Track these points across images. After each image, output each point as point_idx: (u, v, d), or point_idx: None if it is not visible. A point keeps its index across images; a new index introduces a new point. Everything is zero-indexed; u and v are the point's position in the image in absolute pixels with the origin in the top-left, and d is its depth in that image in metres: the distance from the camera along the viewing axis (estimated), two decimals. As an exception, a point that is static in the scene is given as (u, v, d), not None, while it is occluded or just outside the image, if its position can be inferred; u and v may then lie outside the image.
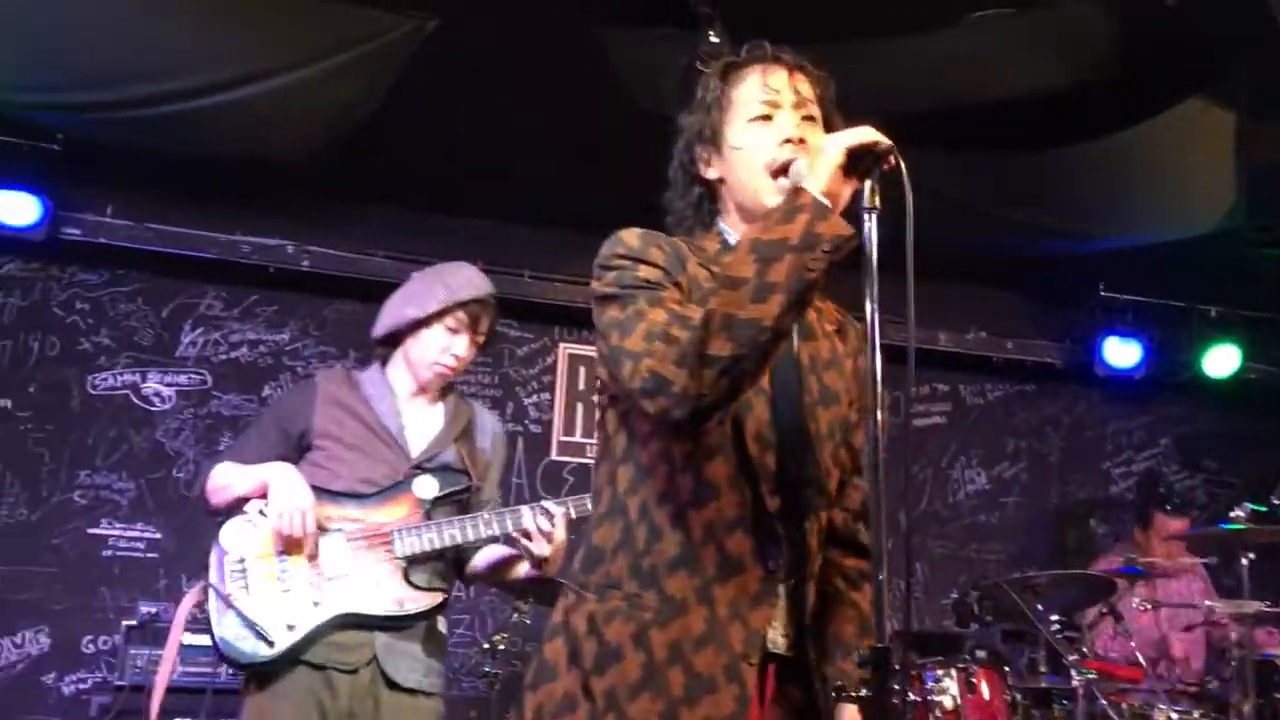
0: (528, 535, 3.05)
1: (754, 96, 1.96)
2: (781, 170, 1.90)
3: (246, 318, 5.90)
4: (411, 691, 3.04)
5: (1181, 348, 6.58)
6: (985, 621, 4.37)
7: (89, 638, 5.39)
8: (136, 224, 5.62)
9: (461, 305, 3.20)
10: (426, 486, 3.14)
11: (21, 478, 5.48)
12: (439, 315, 3.20)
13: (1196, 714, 4.14)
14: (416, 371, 3.25)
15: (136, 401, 5.69)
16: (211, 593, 3.00)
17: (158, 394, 5.72)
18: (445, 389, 3.34)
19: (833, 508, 2.00)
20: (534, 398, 6.22)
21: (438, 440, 3.24)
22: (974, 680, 3.86)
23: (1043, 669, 4.38)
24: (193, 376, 5.78)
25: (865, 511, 2.05)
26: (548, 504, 3.09)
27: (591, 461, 6.16)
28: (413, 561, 3.08)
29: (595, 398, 2.03)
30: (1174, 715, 4.04)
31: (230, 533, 3.06)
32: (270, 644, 2.93)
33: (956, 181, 5.01)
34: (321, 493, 3.07)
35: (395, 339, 3.28)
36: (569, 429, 6.24)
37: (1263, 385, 6.68)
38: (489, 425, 3.39)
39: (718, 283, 1.72)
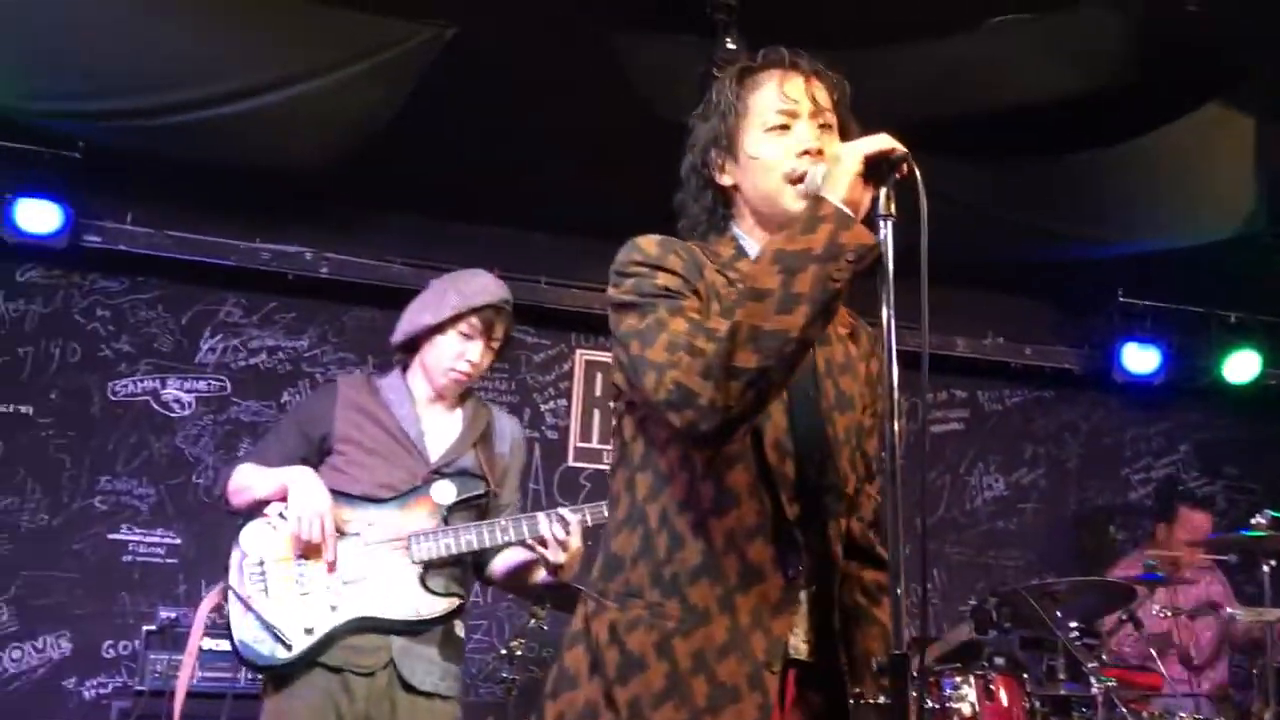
0: (543, 543, 3.06)
1: (771, 105, 1.95)
2: (800, 180, 1.89)
3: (265, 324, 5.93)
4: (428, 695, 3.06)
5: (1201, 353, 6.54)
6: (1004, 628, 4.35)
7: (109, 642, 5.42)
8: (157, 231, 5.66)
9: (475, 311, 3.21)
10: (444, 492, 3.16)
11: (43, 483, 5.51)
12: (452, 321, 3.22)
13: (1217, 722, 4.12)
14: (432, 377, 3.26)
15: (156, 408, 5.72)
16: (231, 595, 3.03)
17: (178, 400, 5.75)
18: (464, 394, 3.36)
19: (851, 514, 2.00)
20: (550, 404, 6.23)
21: (456, 445, 3.26)
22: (992, 687, 3.84)
23: (1062, 676, 4.36)
24: (212, 383, 5.81)
25: (879, 520, 2.05)
26: (564, 511, 3.10)
27: (608, 468, 6.16)
28: (430, 566, 3.09)
29: (611, 403, 2.03)
30: (1194, 723, 4.02)
31: (250, 535, 3.08)
32: (288, 647, 2.96)
33: (974, 187, 5.00)
34: (340, 497, 3.09)
35: (413, 345, 3.30)
36: (585, 435, 6.24)
37: (1283, 391, 6.64)
38: (508, 429, 3.40)
39: (742, 294, 1.71)
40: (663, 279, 1.83)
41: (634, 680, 1.77)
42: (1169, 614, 4.84)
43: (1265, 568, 4.29)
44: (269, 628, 2.97)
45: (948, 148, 4.40)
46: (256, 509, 3.11)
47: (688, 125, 2.07)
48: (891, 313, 1.70)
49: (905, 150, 1.72)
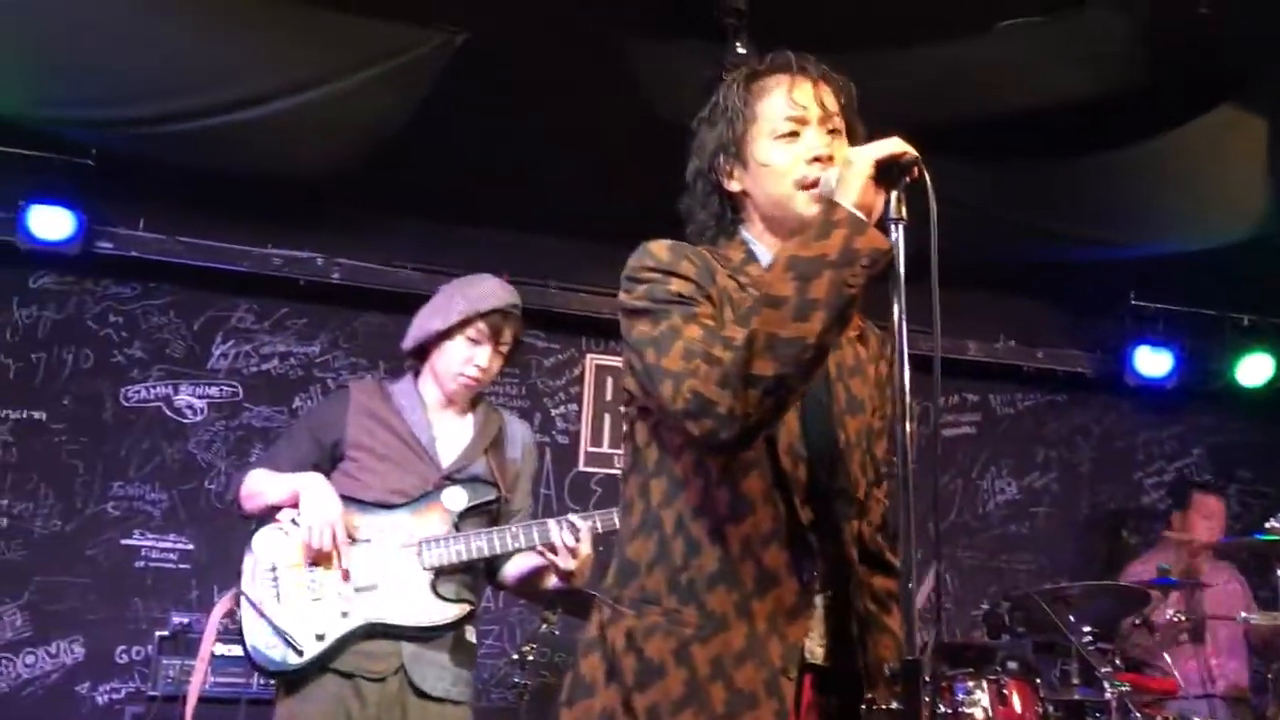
0: (554, 549, 3.06)
1: (780, 113, 1.94)
2: (812, 186, 1.89)
3: (277, 330, 5.94)
4: (439, 700, 3.06)
5: (1213, 357, 6.52)
6: (1016, 633, 4.34)
7: (122, 648, 5.44)
8: (169, 238, 5.68)
9: (482, 316, 3.22)
10: (455, 498, 3.16)
11: (56, 489, 5.53)
12: (460, 327, 3.22)
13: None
14: (443, 383, 3.27)
15: (169, 413, 5.74)
16: (243, 600, 3.04)
17: (190, 406, 5.77)
18: (475, 399, 3.36)
19: (861, 518, 1.99)
20: (561, 409, 6.23)
21: (467, 451, 3.26)
22: (1005, 692, 3.82)
23: (1075, 681, 4.34)
24: (224, 388, 5.82)
25: (886, 524, 2.04)
26: (574, 518, 3.10)
27: (619, 472, 6.16)
28: (441, 572, 3.10)
29: (622, 408, 2.02)
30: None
31: (263, 541, 3.09)
32: (299, 652, 2.96)
33: (984, 190, 5.00)
34: (352, 503, 3.10)
35: (423, 351, 3.31)
36: (596, 440, 6.24)
37: (1296, 394, 6.61)
38: (519, 435, 3.40)
39: (757, 302, 1.71)
40: (676, 285, 1.83)
41: (653, 687, 1.77)
42: (1183, 618, 4.82)
43: (1279, 571, 4.26)
44: (280, 633, 2.98)
45: (958, 151, 4.40)
46: (269, 514, 3.12)
47: (692, 129, 2.06)
48: (903, 316, 1.70)
49: (916, 154, 1.72)
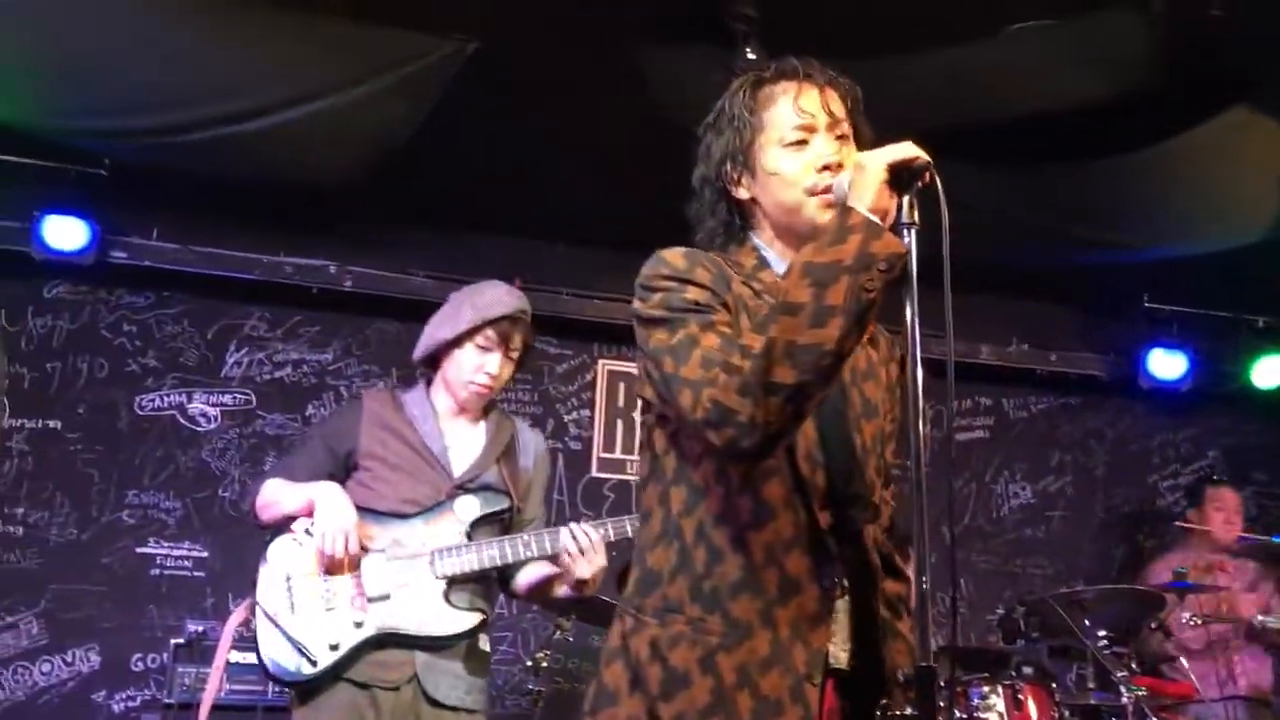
0: (568, 557, 3.06)
1: (788, 121, 1.94)
2: (822, 193, 1.89)
3: (290, 338, 5.96)
4: (453, 709, 3.06)
5: (1228, 359, 6.49)
6: (1031, 637, 4.33)
7: (138, 656, 5.45)
8: (182, 247, 5.70)
9: (490, 323, 3.22)
10: (468, 507, 3.17)
11: (71, 497, 5.56)
12: (469, 335, 3.23)
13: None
14: (454, 391, 3.28)
15: (183, 422, 5.76)
16: (258, 610, 3.04)
17: (203, 414, 5.79)
18: (488, 407, 3.37)
19: (875, 521, 1.99)
20: (574, 415, 6.23)
21: (480, 461, 3.26)
22: (1021, 697, 3.81)
23: (1091, 685, 4.33)
24: (238, 396, 5.84)
25: (894, 527, 2.04)
26: (587, 526, 3.10)
27: (633, 478, 6.17)
28: (453, 582, 3.10)
29: (640, 416, 2.02)
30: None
31: (277, 551, 3.10)
32: (313, 662, 2.97)
33: (996, 193, 4.98)
34: (366, 513, 3.11)
35: (434, 360, 3.32)
36: (609, 446, 6.24)
37: (1312, 396, 6.58)
38: (531, 443, 3.40)
39: (774, 309, 1.71)
40: (692, 293, 1.83)
41: (678, 696, 1.77)
42: (1199, 622, 4.80)
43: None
44: (294, 643, 2.98)
45: (969, 154, 4.39)
46: (284, 524, 3.13)
47: (698, 134, 2.05)
48: (916, 320, 1.69)
49: (928, 158, 1.72)
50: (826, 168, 1.90)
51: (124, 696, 5.40)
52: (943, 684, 1.60)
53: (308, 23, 4.25)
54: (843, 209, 1.73)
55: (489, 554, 3.11)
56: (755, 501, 1.82)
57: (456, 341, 3.24)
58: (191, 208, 5.59)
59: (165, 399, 5.75)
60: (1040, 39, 4.19)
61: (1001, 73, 4.37)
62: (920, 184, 1.73)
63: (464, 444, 3.29)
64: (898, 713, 1.76)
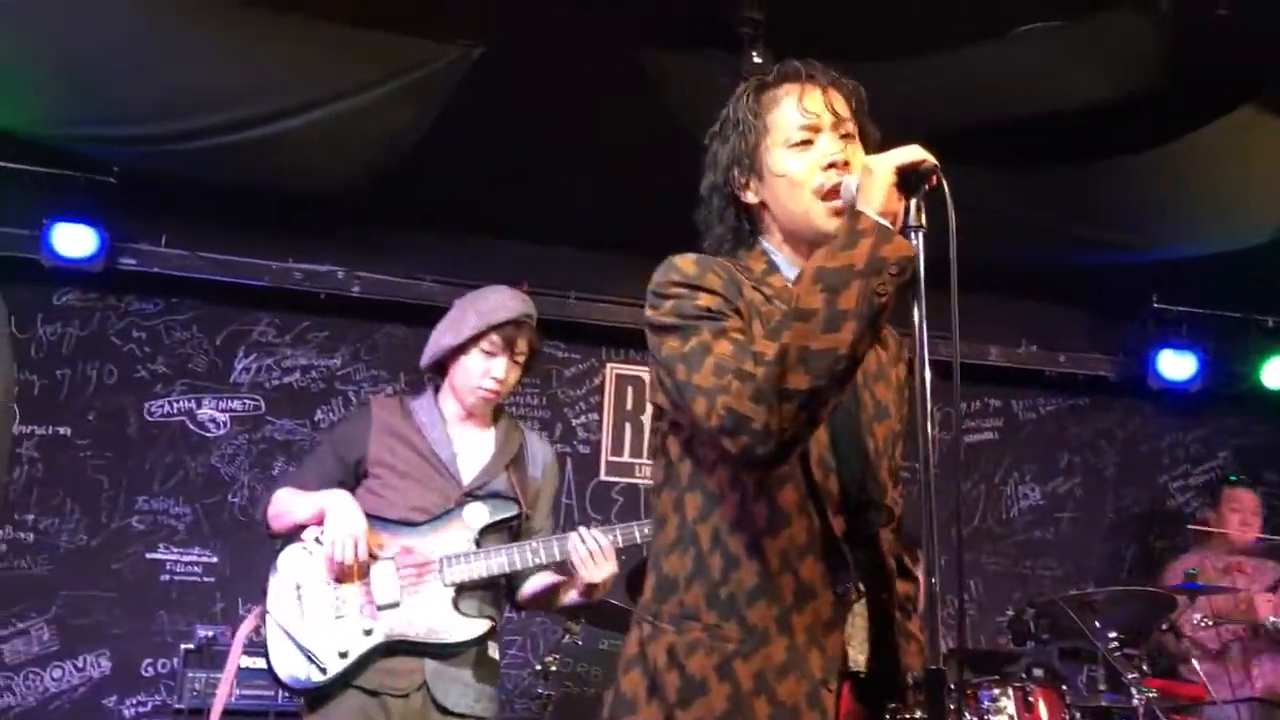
0: (578, 560, 3.06)
1: (793, 122, 1.95)
2: (831, 194, 1.89)
3: (299, 343, 5.97)
4: (462, 716, 3.07)
5: (1238, 359, 6.48)
6: (1042, 639, 4.31)
7: (148, 661, 5.46)
8: (190, 254, 5.72)
9: (494, 328, 3.23)
10: (477, 514, 3.17)
11: (82, 504, 5.57)
12: (473, 341, 3.23)
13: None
14: (462, 397, 3.28)
15: (192, 427, 5.77)
16: (268, 618, 3.05)
17: (213, 420, 5.80)
18: (497, 413, 3.37)
19: (890, 524, 1.99)
20: (582, 418, 6.23)
21: (489, 468, 3.27)
22: (1031, 699, 3.80)
23: (1102, 687, 4.31)
24: (247, 402, 5.86)
25: (901, 527, 2.04)
26: (596, 532, 3.11)
27: (641, 482, 6.17)
28: (462, 589, 3.10)
29: (652, 423, 2.02)
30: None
31: (287, 559, 3.11)
32: (322, 670, 2.98)
33: (1004, 195, 4.97)
34: (375, 521, 3.11)
35: (442, 367, 3.32)
36: (617, 449, 6.24)
37: (1323, 396, 6.56)
38: (540, 453, 3.41)
39: (787, 315, 1.71)
40: (704, 299, 1.83)
41: (696, 703, 1.77)
42: (1210, 623, 4.78)
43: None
44: (304, 651, 2.99)
45: (976, 157, 4.38)
46: (296, 533, 3.14)
47: (706, 144, 2.06)
48: (923, 323, 1.69)
49: (935, 161, 1.72)
50: (833, 166, 1.90)
51: (135, 702, 5.42)
52: (952, 686, 1.60)
53: (312, 30, 4.26)
54: (852, 213, 1.73)
55: (498, 561, 3.12)
56: (770, 508, 1.82)
57: (461, 348, 3.24)
58: (200, 214, 5.60)
59: (174, 405, 5.77)
60: (1047, 40, 4.18)
61: (1008, 74, 4.36)
62: (928, 186, 1.72)
63: (473, 451, 3.29)
64: (907, 716, 1.76)
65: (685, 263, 1.88)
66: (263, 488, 5.60)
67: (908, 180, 1.72)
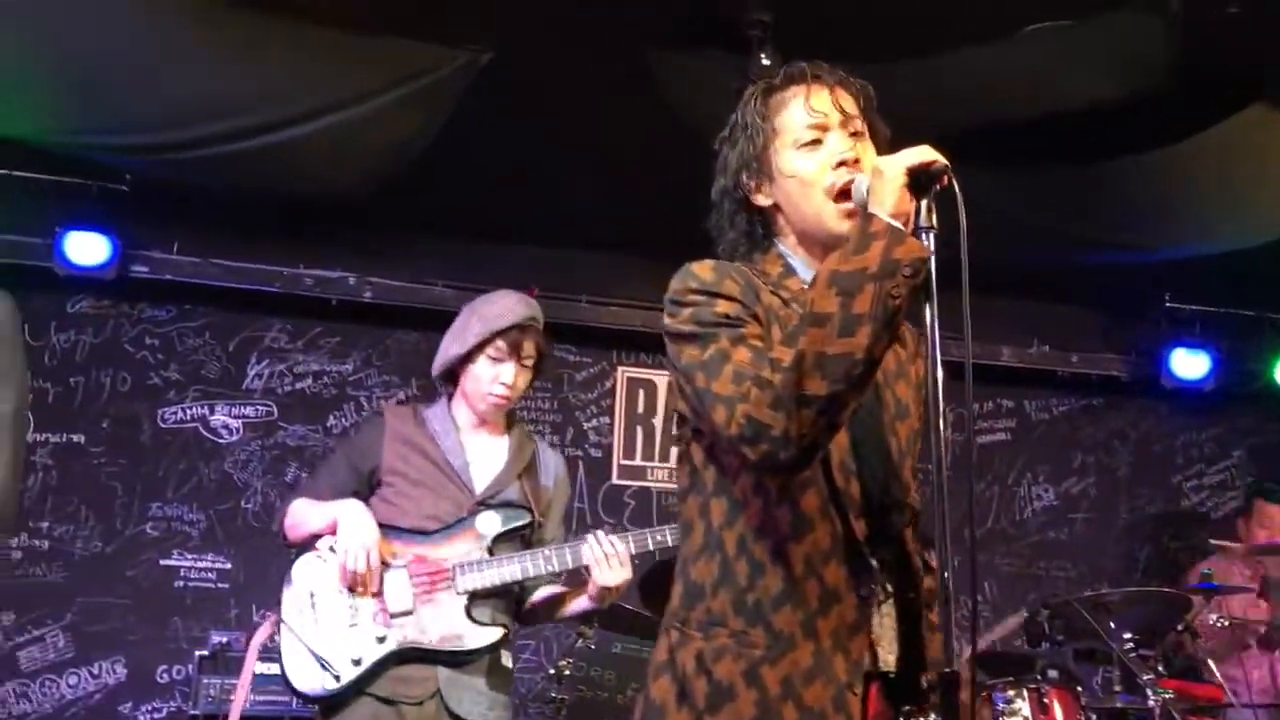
0: (593, 563, 3.06)
1: (801, 121, 1.95)
2: (843, 193, 1.89)
3: (311, 349, 5.99)
4: (476, 724, 3.07)
5: (1251, 357, 6.45)
6: (1056, 641, 4.30)
7: (163, 667, 5.48)
8: (202, 260, 5.74)
9: (499, 334, 3.22)
10: (489, 522, 3.18)
11: (96, 511, 5.59)
12: (479, 348, 3.23)
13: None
14: (474, 404, 3.28)
15: (205, 434, 5.79)
16: (283, 626, 3.05)
17: (226, 426, 5.82)
18: (510, 422, 3.37)
19: (914, 523, 1.98)
20: (593, 422, 6.24)
21: (501, 476, 3.27)
22: (1046, 701, 3.78)
23: (1117, 688, 4.30)
24: (259, 408, 5.87)
25: (917, 526, 2.03)
26: (612, 537, 3.11)
27: (654, 485, 6.17)
28: (475, 597, 3.11)
29: (674, 430, 2.02)
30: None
31: (301, 569, 3.12)
32: (336, 678, 2.99)
33: (1015, 196, 4.97)
34: (389, 529, 3.12)
35: (452, 375, 3.32)
36: (629, 452, 6.24)
37: (1337, 394, 6.52)
38: (552, 464, 3.41)
39: (802, 321, 1.71)
40: (721, 306, 1.83)
41: (724, 709, 1.77)
42: (1226, 623, 4.75)
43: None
44: (318, 659, 3.00)
45: (986, 157, 4.37)
46: (310, 542, 3.15)
47: (715, 149, 2.06)
48: (935, 323, 1.69)
49: (945, 162, 1.72)
50: (843, 164, 1.90)
51: (150, 708, 5.43)
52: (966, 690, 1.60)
53: (322, 37, 4.27)
54: (864, 216, 1.73)
55: (510, 569, 3.12)
56: (793, 513, 1.82)
57: (468, 356, 3.25)
58: (211, 221, 5.63)
59: (187, 411, 5.79)
60: (1057, 40, 4.17)
61: (1018, 74, 4.35)
62: (939, 187, 1.72)
63: (486, 459, 3.29)
64: (920, 718, 1.76)
65: (703, 269, 1.88)
66: (276, 493, 5.62)
67: (919, 181, 1.72)
